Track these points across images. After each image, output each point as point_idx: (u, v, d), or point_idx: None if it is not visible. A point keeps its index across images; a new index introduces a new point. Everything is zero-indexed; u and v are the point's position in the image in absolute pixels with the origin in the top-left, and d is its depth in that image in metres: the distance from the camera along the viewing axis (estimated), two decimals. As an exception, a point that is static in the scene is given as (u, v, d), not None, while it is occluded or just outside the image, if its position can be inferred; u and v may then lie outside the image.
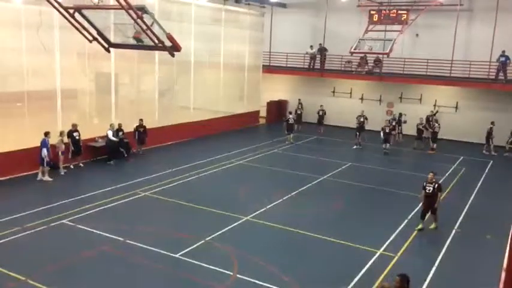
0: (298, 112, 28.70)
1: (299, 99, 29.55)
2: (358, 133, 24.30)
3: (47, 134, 16.41)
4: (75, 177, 17.20)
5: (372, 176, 19.10)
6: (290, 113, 26.36)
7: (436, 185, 13.00)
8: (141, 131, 20.49)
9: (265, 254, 11.39)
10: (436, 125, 24.06)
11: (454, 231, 13.40)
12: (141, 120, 20.47)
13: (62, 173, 17.14)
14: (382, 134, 23.09)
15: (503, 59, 24.35)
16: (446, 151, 23.49)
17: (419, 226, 13.21)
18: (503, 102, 25.45)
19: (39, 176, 16.43)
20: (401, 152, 23.81)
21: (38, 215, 13.07)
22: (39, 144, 16.26)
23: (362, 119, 24.81)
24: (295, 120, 26.30)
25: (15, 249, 11.20)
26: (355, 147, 24.07)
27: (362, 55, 27.39)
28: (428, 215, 13.23)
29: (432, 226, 13.32)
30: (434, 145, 23.81)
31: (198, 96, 24.99)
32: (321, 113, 27.95)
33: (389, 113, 27.84)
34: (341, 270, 10.84)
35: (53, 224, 12.56)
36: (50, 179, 16.47)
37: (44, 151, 16.13)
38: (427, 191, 12.99)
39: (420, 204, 13.58)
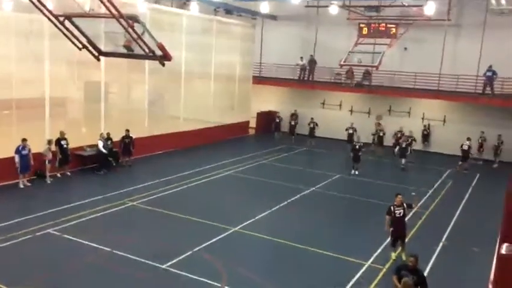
0: (277, 120, 29.75)
1: (277, 112, 30.28)
2: (351, 147, 22.02)
3: (23, 140, 16.15)
4: (62, 186, 17.01)
5: (361, 188, 19.15)
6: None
7: (405, 205, 12.04)
8: (127, 142, 19.88)
9: (253, 265, 11.34)
10: (467, 143, 22.77)
11: (441, 244, 13.46)
12: (127, 130, 19.87)
13: (49, 182, 16.97)
14: (397, 149, 22.91)
15: (489, 73, 24.66)
16: (433, 164, 23.65)
17: (394, 255, 12.05)
18: (490, 116, 25.73)
19: (20, 184, 16.34)
20: (389, 164, 23.87)
21: (23, 224, 12.86)
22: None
23: (351, 131, 24.86)
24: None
25: (-1, 259, 11.02)
26: (352, 172, 21.21)
27: (349, 68, 27.58)
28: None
29: (404, 259, 11.38)
30: (464, 164, 22.62)
31: (188, 106, 24.94)
32: (312, 125, 27.90)
33: (378, 125, 27.95)
34: (330, 282, 10.81)
35: (38, 234, 12.36)
36: (28, 184, 16.37)
37: (16, 157, 16.01)
38: (397, 215, 11.92)
39: (390, 232, 12.12)
